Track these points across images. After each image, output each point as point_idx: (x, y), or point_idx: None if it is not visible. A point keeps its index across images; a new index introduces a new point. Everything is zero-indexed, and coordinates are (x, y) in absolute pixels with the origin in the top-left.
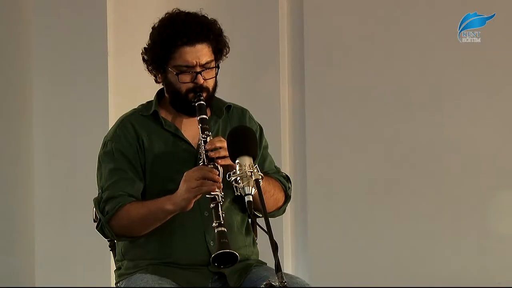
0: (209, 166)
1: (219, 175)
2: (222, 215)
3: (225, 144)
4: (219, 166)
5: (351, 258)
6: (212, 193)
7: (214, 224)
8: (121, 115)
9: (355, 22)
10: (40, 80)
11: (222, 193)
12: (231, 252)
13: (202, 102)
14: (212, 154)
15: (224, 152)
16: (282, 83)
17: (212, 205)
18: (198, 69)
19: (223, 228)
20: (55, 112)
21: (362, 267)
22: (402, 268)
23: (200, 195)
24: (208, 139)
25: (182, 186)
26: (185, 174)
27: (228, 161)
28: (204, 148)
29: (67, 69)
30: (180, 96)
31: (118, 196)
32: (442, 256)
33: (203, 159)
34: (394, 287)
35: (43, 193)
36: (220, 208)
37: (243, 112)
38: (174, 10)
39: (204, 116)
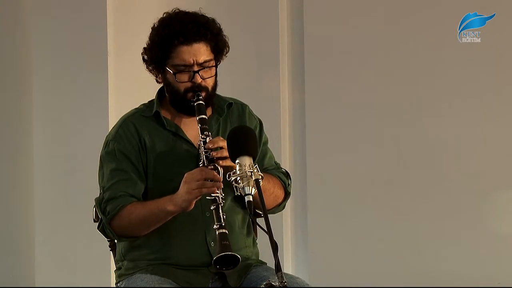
0: (209, 167)
1: (219, 175)
2: (223, 217)
3: (225, 144)
4: (219, 167)
5: (351, 258)
6: (213, 194)
7: (215, 226)
8: (122, 115)
9: (355, 22)
10: (40, 80)
11: (223, 194)
12: (232, 254)
13: (201, 102)
14: (214, 154)
15: (225, 153)
16: (282, 83)
17: (212, 207)
18: (196, 68)
19: (224, 230)
20: (55, 111)
21: (362, 267)
22: (402, 268)
23: (201, 196)
24: (207, 139)
25: (183, 188)
26: (185, 175)
27: (228, 162)
28: (204, 148)
29: (67, 69)
30: (179, 95)
31: (119, 197)
32: (442, 256)
33: (203, 160)
34: (394, 287)
35: (43, 193)
36: (221, 209)
37: (242, 107)
38: (173, 10)
39: (203, 116)
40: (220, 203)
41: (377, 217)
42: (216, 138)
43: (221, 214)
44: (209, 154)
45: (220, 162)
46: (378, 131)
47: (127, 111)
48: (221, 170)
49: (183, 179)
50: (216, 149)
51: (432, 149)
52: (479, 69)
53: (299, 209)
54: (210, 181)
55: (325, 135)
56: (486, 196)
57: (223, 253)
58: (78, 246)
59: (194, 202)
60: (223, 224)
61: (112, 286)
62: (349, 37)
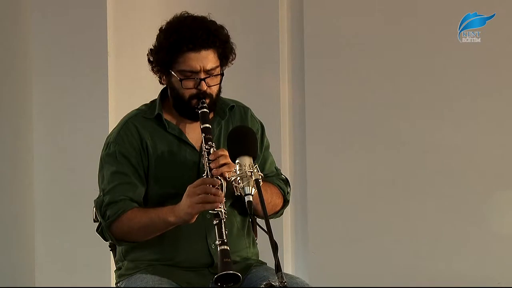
0: (212, 179)
1: (222, 189)
2: (225, 232)
3: (229, 160)
4: (222, 179)
5: (351, 258)
6: (216, 209)
7: (217, 241)
8: (123, 116)
9: (355, 22)
10: (40, 80)
11: (225, 209)
12: (234, 273)
13: (205, 110)
14: (215, 172)
15: (228, 169)
16: (282, 83)
17: (215, 222)
18: (202, 75)
19: (226, 247)
20: (55, 112)
21: (362, 267)
22: (402, 268)
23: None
24: (211, 150)
25: (185, 201)
26: (187, 188)
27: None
28: (208, 161)
29: (67, 69)
30: (183, 101)
31: (120, 201)
32: (442, 256)
33: (206, 172)
34: (394, 287)
35: (43, 193)
36: (223, 225)
37: (245, 110)
38: (182, 13)
39: (207, 125)
40: (223, 218)
41: (377, 217)
42: (218, 151)
43: (223, 230)
44: (213, 171)
45: (226, 174)
46: (378, 132)
47: (127, 111)
48: (224, 183)
49: (186, 192)
50: (219, 166)
51: (432, 150)
52: (479, 69)
53: (299, 210)
54: (213, 195)
55: (325, 136)
56: (487, 197)
57: (224, 272)
58: (78, 246)
59: (196, 215)
60: (225, 240)
61: (112, 286)
62: (349, 37)
